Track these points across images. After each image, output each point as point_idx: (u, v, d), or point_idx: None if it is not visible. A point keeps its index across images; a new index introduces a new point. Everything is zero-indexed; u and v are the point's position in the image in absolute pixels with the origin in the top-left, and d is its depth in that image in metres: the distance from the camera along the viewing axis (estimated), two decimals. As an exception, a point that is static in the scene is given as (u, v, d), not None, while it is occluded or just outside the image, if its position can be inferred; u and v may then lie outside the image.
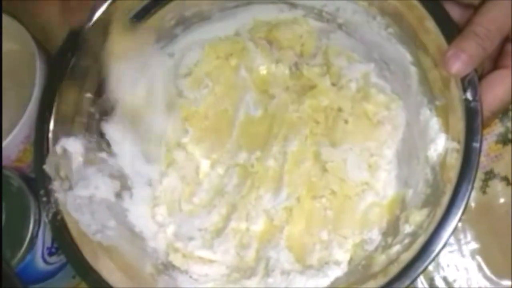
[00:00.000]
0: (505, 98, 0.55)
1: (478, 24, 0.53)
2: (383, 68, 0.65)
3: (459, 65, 0.53)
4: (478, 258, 0.68)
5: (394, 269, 0.53)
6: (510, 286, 0.67)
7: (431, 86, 0.59)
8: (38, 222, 0.60)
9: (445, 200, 0.53)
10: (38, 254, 0.62)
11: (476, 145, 0.53)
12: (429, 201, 0.56)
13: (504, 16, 0.53)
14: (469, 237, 0.69)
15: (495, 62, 0.58)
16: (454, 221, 0.52)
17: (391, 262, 0.54)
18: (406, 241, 0.55)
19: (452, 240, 0.68)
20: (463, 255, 0.68)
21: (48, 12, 0.67)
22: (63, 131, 0.59)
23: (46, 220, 0.58)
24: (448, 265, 0.68)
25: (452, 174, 0.53)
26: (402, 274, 0.52)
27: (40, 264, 0.62)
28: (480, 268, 0.68)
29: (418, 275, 0.52)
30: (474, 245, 0.69)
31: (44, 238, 0.62)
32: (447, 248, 0.68)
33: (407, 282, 0.52)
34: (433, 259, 0.52)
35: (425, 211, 0.56)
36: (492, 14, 0.53)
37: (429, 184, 0.57)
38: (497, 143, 0.69)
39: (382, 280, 0.53)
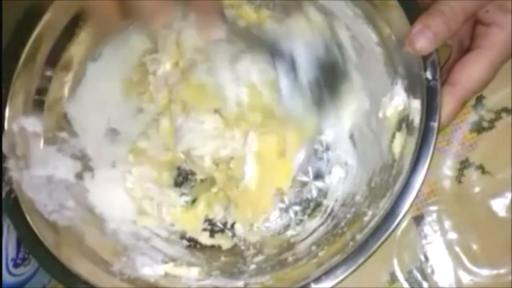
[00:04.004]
0: (483, 76, 0.55)
1: (444, 3, 0.53)
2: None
3: (423, 42, 0.53)
4: (456, 248, 0.68)
5: (350, 248, 0.53)
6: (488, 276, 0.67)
7: (395, 66, 0.59)
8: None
9: (402, 179, 0.53)
10: (3, 266, 0.60)
11: (433, 124, 0.53)
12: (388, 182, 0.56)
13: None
14: (446, 227, 0.68)
15: (461, 44, 0.58)
16: (409, 200, 0.52)
17: (347, 241, 0.55)
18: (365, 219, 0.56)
19: (429, 231, 0.68)
20: (440, 246, 0.67)
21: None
22: (22, 110, 0.59)
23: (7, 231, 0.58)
24: (426, 257, 0.68)
25: (409, 154, 0.53)
26: (356, 253, 0.52)
27: (5, 277, 0.60)
28: (458, 258, 0.68)
29: (372, 253, 0.52)
30: (451, 236, 0.68)
31: (8, 250, 0.60)
32: (424, 240, 0.67)
33: (360, 260, 0.52)
34: (387, 238, 0.52)
35: (381, 193, 0.56)
36: None
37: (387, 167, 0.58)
38: (471, 132, 0.69)
39: (339, 258, 0.53)
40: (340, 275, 0.51)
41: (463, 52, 0.57)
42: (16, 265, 0.61)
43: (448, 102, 0.54)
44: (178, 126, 0.65)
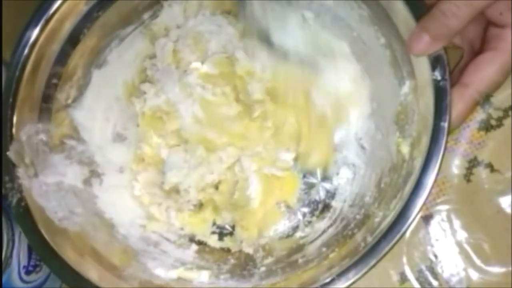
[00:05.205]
0: (496, 78, 0.54)
1: (447, 2, 0.52)
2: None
3: (420, 46, 0.53)
4: (466, 247, 0.68)
5: (361, 250, 0.53)
6: (499, 274, 0.67)
7: (402, 67, 0.58)
8: (11, 242, 0.59)
9: (412, 180, 0.53)
10: (14, 273, 0.60)
11: (444, 124, 0.53)
12: (398, 183, 0.56)
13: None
14: (455, 226, 0.68)
15: (472, 46, 0.58)
16: (420, 201, 0.52)
17: (358, 242, 0.55)
18: (376, 220, 0.56)
19: (438, 230, 0.68)
20: (450, 245, 0.67)
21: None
22: (29, 118, 0.59)
23: (19, 239, 0.59)
24: (435, 256, 0.68)
25: (420, 155, 0.53)
26: (368, 255, 0.52)
27: (18, 284, 0.61)
28: (468, 257, 0.67)
29: (384, 256, 0.52)
30: (461, 234, 0.68)
31: (20, 257, 0.60)
32: (434, 239, 0.67)
33: (372, 262, 0.52)
34: (399, 239, 0.52)
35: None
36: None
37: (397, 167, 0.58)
38: (479, 130, 0.69)
39: (350, 260, 0.53)
40: (352, 277, 0.52)
41: (474, 54, 0.56)
42: (28, 272, 0.62)
43: (458, 103, 0.54)
44: (165, 159, 0.66)
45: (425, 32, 0.53)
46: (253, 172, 0.65)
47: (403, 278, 0.68)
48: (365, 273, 0.51)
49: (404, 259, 0.68)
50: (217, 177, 0.65)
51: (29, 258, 0.62)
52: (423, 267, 0.68)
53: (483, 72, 0.54)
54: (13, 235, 0.59)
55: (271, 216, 0.66)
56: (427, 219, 0.68)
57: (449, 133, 0.53)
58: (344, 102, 0.65)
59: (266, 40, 0.64)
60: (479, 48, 0.56)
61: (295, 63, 0.64)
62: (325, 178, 0.68)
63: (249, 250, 0.64)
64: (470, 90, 0.54)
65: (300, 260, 0.61)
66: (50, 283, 0.65)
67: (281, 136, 0.66)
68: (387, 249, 0.51)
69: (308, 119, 0.65)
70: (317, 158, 0.66)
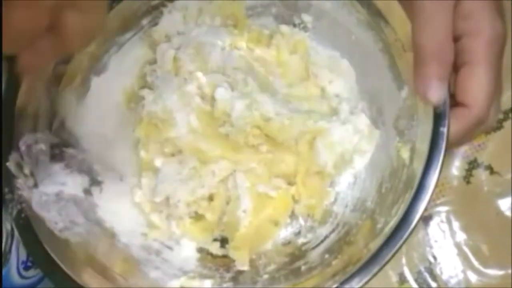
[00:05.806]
0: (487, 89, 0.53)
1: (425, 40, 0.51)
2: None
3: (437, 93, 0.52)
4: (465, 249, 0.68)
5: (364, 257, 0.53)
6: (497, 276, 0.67)
7: (400, 71, 0.59)
8: (11, 236, 0.59)
9: (413, 185, 0.53)
10: (13, 268, 0.60)
11: (443, 129, 0.53)
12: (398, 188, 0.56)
13: (442, 19, 0.51)
14: (454, 228, 0.68)
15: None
16: (421, 207, 0.52)
17: (361, 249, 0.55)
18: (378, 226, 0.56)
19: (437, 231, 0.68)
20: (449, 247, 0.67)
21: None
22: (28, 127, 0.59)
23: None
24: (434, 257, 0.68)
25: (420, 160, 0.53)
26: (371, 262, 0.52)
27: (16, 279, 0.61)
28: (467, 259, 0.67)
29: (387, 262, 0.52)
30: (460, 236, 0.68)
31: (19, 252, 0.60)
32: (433, 240, 0.67)
33: (375, 269, 0.52)
34: (401, 246, 0.51)
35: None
36: (432, 25, 0.51)
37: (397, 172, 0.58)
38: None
39: (353, 267, 0.53)
40: (355, 285, 0.51)
41: None
42: (26, 268, 0.61)
43: (456, 124, 0.53)
44: (160, 169, 0.65)
45: (430, 78, 0.52)
46: (246, 189, 0.63)
47: (402, 279, 0.68)
48: (369, 280, 0.51)
49: (403, 260, 0.68)
50: (207, 190, 0.64)
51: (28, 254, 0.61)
52: (422, 268, 0.68)
53: (473, 89, 0.53)
54: (12, 229, 0.58)
55: (263, 234, 0.65)
56: (426, 220, 0.68)
57: (447, 148, 0.53)
58: (350, 154, 0.64)
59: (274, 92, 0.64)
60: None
61: (303, 114, 0.64)
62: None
63: (244, 268, 0.63)
64: (472, 110, 0.53)
65: (303, 267, 0.61)
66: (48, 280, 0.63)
67: (275, 170, 0.65)
68: (390, 255, 0.51)
69: (307, 167, 0.64)
70: (305, 205, 0.65)
